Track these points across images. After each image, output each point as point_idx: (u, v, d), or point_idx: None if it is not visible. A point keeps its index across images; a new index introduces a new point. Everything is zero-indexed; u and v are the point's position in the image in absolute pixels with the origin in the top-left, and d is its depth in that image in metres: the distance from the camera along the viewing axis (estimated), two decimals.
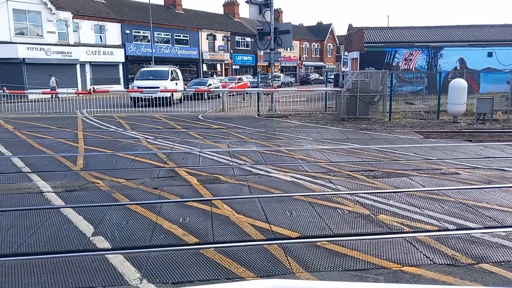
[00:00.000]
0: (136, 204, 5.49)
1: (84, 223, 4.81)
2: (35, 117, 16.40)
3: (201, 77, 41.40)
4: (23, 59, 29.86)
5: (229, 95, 21.79)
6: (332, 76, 23.96)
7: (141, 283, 3.48)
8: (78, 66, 34.23)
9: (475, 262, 3.82)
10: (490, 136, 11.74)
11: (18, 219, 4.99)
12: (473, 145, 10.29)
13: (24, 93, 20.37)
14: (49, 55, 31.68)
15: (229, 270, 3.68)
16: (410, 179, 6.79)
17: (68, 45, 33.47)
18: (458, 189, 6.16)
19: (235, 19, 55.33)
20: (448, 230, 4.61)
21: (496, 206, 5.38)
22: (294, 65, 63.28)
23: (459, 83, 14.33)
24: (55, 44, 32.32)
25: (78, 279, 3.53)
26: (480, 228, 4.64)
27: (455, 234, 4.49)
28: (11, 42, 29.65)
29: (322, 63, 68.60)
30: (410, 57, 28.06)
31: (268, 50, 17.81)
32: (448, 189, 6.13)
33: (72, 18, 34.20)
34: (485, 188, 6.21)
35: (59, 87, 27.41)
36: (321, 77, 52.22)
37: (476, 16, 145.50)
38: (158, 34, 41.61)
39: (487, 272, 3.64)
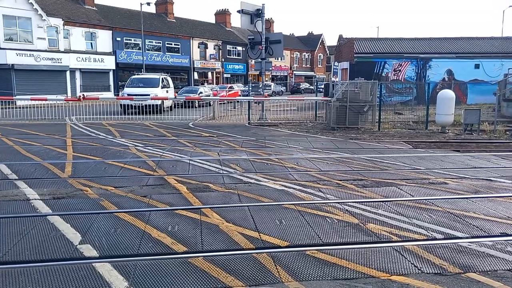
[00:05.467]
0: (124, 212, 5.44)
1: (72, 231, 4.75)
2: (23, 123, 16.23)
3: (192, 85, 41.47)
4: (12, 65, 29.62)
5: (219, 104, 21.81)
6: (322, 86, 24.15)
7: None
8: (68, 73, 34.04)
9: (463, 271, 3.85)
10: (477, 146, 11.90)
11: (4, 226, 4.91)
12: (461, 155, 10.42)
13: (12, 99, 20.17)
14: (39, 62, 31.46)
15: (217, 279, 3.66)
16: (398, 188, 6.84)
17: (58, 51, 33.30)
18: (446, 198, 6.22)
19: (227, 28, 55.62)
20: (436, 239, 4.64)
21: (483, 215, 5.45)
22: (284, 74, 63.67)
23: (447, 94, 14.54)
24: (45, 51, 32.14)
25: None
26: (467, 238, 4.68)
27: (443, 243, 4.53)
28: (0, 48, 29.41)
29: (313, 72, 69.15)
30: (399, 68, 28.43)
31: (259, 60, 17.92)
32: (436, 199, 6.18)
33: (63, 25, 34.09)
34: (472, 197, 6.28)
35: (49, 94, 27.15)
36: (311, 87, 52.59)
37: (464, 29, 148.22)
38: (149, 41, 41.63)
39: (474, 281, 3.67)
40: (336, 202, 5.95)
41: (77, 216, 5.30)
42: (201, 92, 27.40)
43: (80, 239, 4.52)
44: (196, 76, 47.52)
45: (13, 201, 5.92)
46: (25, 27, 31.06)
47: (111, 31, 38.57)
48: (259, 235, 4.67)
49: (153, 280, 3.64)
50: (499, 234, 4.81)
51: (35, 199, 5.99)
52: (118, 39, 39.06)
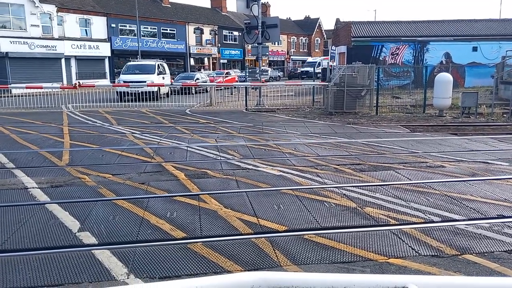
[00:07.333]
0: (122, 199, 5.45)
1: (70, 218, 4.76)
2: (19, 112, 16.13)
3: (189, 71, 41.15)
4: (6, 53, 29.27)
5: (216, 90, 21.70)
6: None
7: (128, 278, 3.47)
8: (63, 60, 33.68)
9: (459, 253, 3.89)
10: (474, 129, 11.91)
11: (2, 215, 4.91)
12: (458, 138, 10.43)
13: (7, 87, 19.93)
14: (33, 49, 31.09)
15: (216, 264, 3.68)
16: (396, 172, 6.86)
17: (53, 38, 32.88)
18: (443, 181, 6.25)
19: (223, 13, 55.00)
20: (433, 222, 4.67)
21: (480, 198, 5.47)
22: (282, 59, 63.25)
23: (445, 77, 14.49)
24: (39, 38, 31.72)
25: (64, 275, 3.50)
26: (464, 220, 4.71)
27: (440, 226, 4.56)
28: None
29: (310, 57, 68.69)
30: (397, 52, 28.25)
31: (256, 44, 17.77)
32: (434, 182, 6.21)
33: (56, 11, 33.59)
34: (470, 180, 6.30)
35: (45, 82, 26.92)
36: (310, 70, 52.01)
37: (462, 11, 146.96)
38: (144, 27, 41.16)
39: (470, 263, 3.70)
40: (334, 187, 5.96)
41: (75, 204, 5.30)
42: (197, 78, 27.20)
43: (79, 226, 4.53)
44: (192, 62, 47.15)
45: (11, 190, 5.92)
46: (18, 14, 30.59)
47: (105, 18, 38.08)
48: (258, 220, 4.69)
49: (152, 266, 3.66)
50: (496, 216, 4.84)
51: (33, 188, 5.99)
52: (113, 25, 38.59)
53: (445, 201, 5.34)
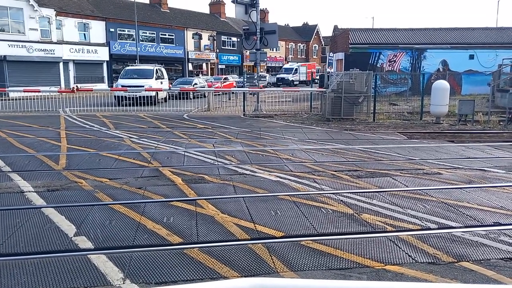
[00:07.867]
0: (119, 204, 5.43)
1: (66, 223, 4.73)
2: (16, 115, 16.09)
3: (187, 76, 41.21)
4: (4, 56, 29.27)
5: (214, 95, 21.72)
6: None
7: (124, 283, 3.45)
8: (61, 64, 33.69)
9: (456, 261, 3.89)
10: (471, 136, 11.96)
11: None
12: (455, 145, 10.47)
13: (5, 91, 19.91)
14: (31, 53, 31.10)
15: (213, 270, 3.67)
16: (393, 179, 6.87)
17: (51, 42, 32.91)
18: (440, 188, 6.26)
19: (221, 19, 55.21)
20: (430, 229, 4.68)
21: (477, 205, 5.49)
22: (280, 65, 63.39)
23: (442, 85, 14.57)
24: (38, 42, 31.75)
25: (60, 280, 3.48)
26: (461, 227, 4.72)
27: (437, 233, 4.56)
28: None
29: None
30: (394, 59, 28.40)
31: (254, 50, 17.81)
32: (431, 189, 6.22)
33: (55, 15, 33.65)
34: (466, 188, 6.32)
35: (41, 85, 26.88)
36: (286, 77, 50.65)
37: (459, 19, 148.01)
38: (143, 32, 41.25)
39: (467, 270, 3.70)
40: (331, 193, 5.96)
41: (71, 208, 5.28)
42: (195, 83, 27.25)
43: (75, 231, 4.51)
44: (190, 67, 47.23)
45: (7, 194, 5.89)
46: (16, 17, 30.63)
47: (104, 22, 38.16)
48: (255, 226, 4.68)
49: (149, 271, 3.65)
50: (492, 223, 4.85)
51: (29, 192, 5.96)
52: (112, 30, 38.67)
53: (442, 208, 5.35)
